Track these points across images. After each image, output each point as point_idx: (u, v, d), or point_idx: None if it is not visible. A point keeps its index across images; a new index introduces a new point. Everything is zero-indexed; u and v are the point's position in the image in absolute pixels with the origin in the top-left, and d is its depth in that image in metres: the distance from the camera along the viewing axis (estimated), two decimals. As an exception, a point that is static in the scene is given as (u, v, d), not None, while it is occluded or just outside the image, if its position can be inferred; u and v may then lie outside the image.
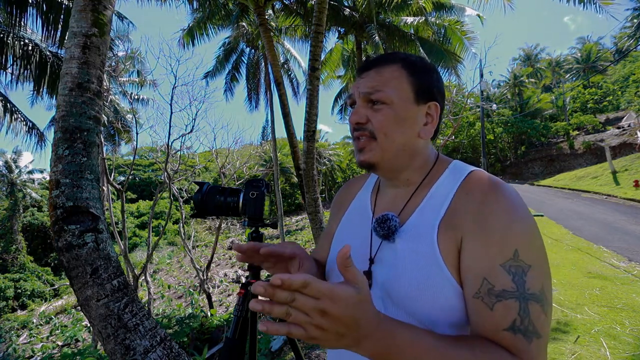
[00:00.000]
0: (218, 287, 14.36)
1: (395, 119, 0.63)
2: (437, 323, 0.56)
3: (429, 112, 0.65)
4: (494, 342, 0.50)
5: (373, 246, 0.67)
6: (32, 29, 6.01)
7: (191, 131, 9.52)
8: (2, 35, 5.66)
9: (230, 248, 21.41)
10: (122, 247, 8.48)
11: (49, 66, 6.12)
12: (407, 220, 0.64)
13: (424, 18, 8.85)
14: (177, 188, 11.41)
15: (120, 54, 10.49)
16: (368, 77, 0.65)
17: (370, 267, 0.66)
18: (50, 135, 8.88)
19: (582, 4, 5.48)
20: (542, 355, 0.51)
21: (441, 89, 0.67)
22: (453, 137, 19.69)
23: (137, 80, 12.92)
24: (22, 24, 5.38)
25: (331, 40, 11.13)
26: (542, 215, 9.33)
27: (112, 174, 10.56)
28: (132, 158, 10.63)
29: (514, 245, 0.52)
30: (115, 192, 12.76)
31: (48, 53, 6.16)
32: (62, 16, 5.26)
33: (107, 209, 9.97)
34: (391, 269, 0.62)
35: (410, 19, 9.39)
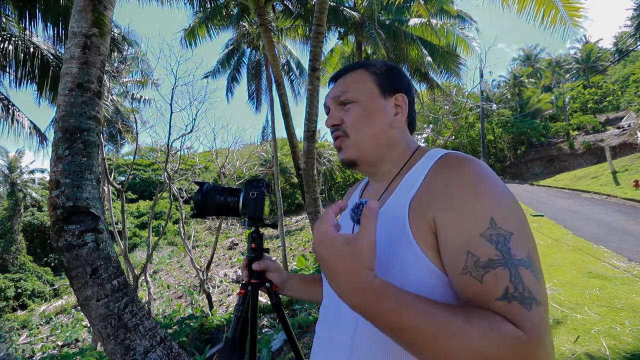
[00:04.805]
0: (218, 287, 14.37)
1: (364, 114, 0.69)
2: None
3: (397, 103, 0.70)
4: (490, 310, 0.47)
5: None
6: (32, 31, 6.02)
7: (191, 131, 9.55)
8: (5, 38, 5.68)
9: (230, 248, 21.43)
10: (122, 247, 8.49)
11: (50, 68, 6.14)
12: (382, 205, 0.66)
13: (425, 19, 8.85)
14: (177, 188, 11.42)
15: (124, 53, 10.48)
16: (336, 84, 0.73)
17: None
18: (51, 135, 8.89)
19: (552, 27, 5.49)
20: (546, 324, 0.46)
21: (404, 83, 0.72)
22: (453, 137, 19.67)
23: (139, 79, 12.91)
24: (29, 29, 5.41)
25: (331, 41, 11.16)
26: (542, 215, 9.32)
27: (112, 174, 10.57)
28: (132, 158, 10.63)
29: (487, 213, 0.50)
30: (115, 192, 12.75)
31: (50, 57, 6.18)
32: (60, 19, 5.26)
33: (107, 209, 9.97)
34: None
35: (412, 21, 9.39)
